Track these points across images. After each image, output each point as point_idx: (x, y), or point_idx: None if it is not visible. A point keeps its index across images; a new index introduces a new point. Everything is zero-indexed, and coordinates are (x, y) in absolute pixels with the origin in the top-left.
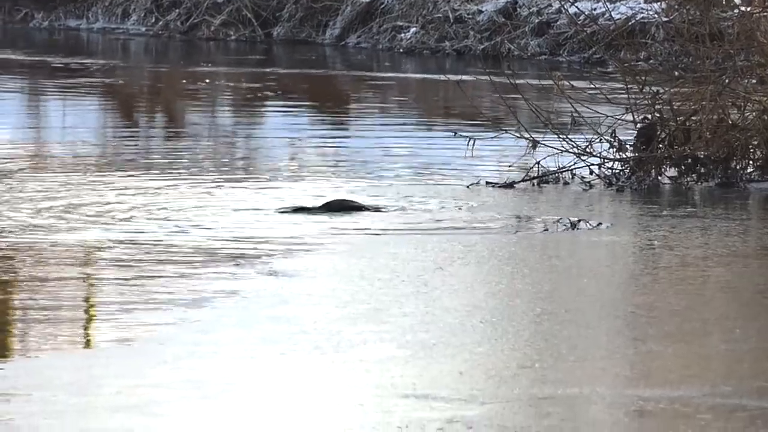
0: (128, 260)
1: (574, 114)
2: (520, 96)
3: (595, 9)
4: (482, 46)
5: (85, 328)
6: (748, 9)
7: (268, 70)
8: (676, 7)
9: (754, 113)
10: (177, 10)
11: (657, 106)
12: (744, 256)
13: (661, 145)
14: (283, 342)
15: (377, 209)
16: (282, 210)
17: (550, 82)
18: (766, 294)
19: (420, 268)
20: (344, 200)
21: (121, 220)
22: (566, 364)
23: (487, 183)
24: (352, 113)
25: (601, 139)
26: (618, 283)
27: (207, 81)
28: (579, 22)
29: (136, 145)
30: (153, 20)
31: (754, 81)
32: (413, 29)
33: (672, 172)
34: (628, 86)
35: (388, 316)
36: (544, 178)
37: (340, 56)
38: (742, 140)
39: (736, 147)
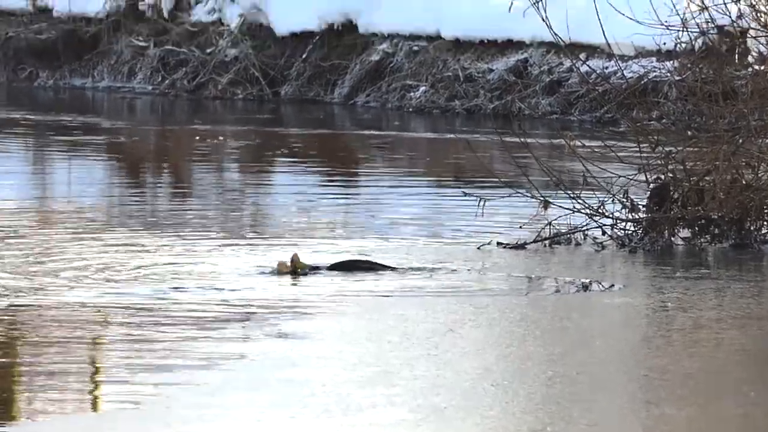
0: (134, 321)
1: (586, 174)
2: (531, 155)
3: (606, 67)
4: (493, 105)
5: (91, 391)
6: (762, 67)
7: (276, 129)
8: (689, 65)
9: None
10: (184, 69)
11: (670, 166)
12: (758, 318)
13: (674, 206)
14: (292, 405)
15: (387, 269)
16: (290, 270)
17: (562, 141)
18: None
19: (430, 330)
20: (354, 260)
21: (126, 280)
22: (578, 428)
23: (498, 243)
24: (361, 172)
25: (613, 200)
26: (631, 346)
27: (220, 138)
28: (590, 81)
29: (142, 204)
30: (159, 79)
31: None
32: (423, 88)
33: (685, 233)
34: (641, 146)
35: (399, 378)
36: (556, 239)
37: (349, 115)
38: (756, 201)
39: (751, 208)
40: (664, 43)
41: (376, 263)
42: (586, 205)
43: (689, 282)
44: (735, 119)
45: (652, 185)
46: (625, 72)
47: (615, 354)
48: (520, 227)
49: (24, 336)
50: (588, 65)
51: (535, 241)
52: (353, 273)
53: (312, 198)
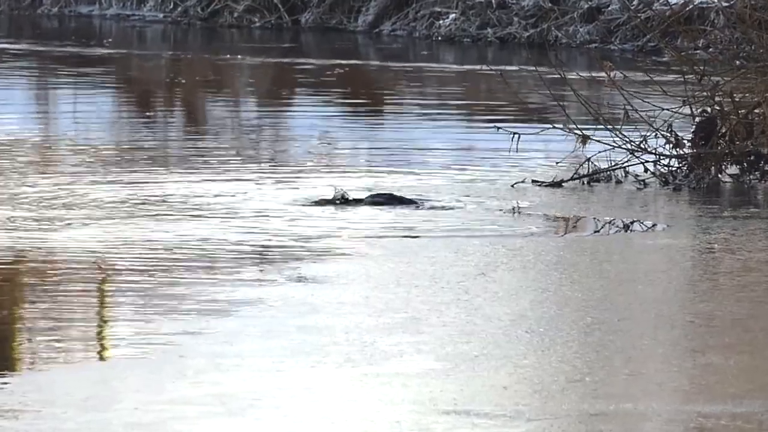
0: (145, 263)
1: (627, 107)
2: (569, 88)
3: None
4: (527, 34)
5: (99, 339)
6: None
7: (296, 59)
8: None
9: None
10: None
11: (717, 98)
12: None
13: (721, 141)
14: (312, 354)
15: (414, 203)
16: (308, 202)
17: (601, 72)
18: None
19: (460, 273)
20: (381, 194)
21: (136, 218)
22: (619, 378)
23: (533, 181)
24: (387, 106)
25: (656, 134)
26: (675, 290)
27: (239, 57)
28: (632, 8)
29: (153, 138)
30: (171, 6)
31: None
32: (452, 15)
33: (733, 169)
34: (686, 77)
35: (427, 325)
36: (595, 177)
37: (374, 45)
38: None
39: None
40: None
41: (403, 198)
42: (628, 140)
43: (737, 222)
44: None
45: (697, 119)
46: None
47: (658, 299)
48: (557, 164)
49: (27, 278)
50: None
51: (572, 179)
52: (381, 209)
53: (335, 132)
